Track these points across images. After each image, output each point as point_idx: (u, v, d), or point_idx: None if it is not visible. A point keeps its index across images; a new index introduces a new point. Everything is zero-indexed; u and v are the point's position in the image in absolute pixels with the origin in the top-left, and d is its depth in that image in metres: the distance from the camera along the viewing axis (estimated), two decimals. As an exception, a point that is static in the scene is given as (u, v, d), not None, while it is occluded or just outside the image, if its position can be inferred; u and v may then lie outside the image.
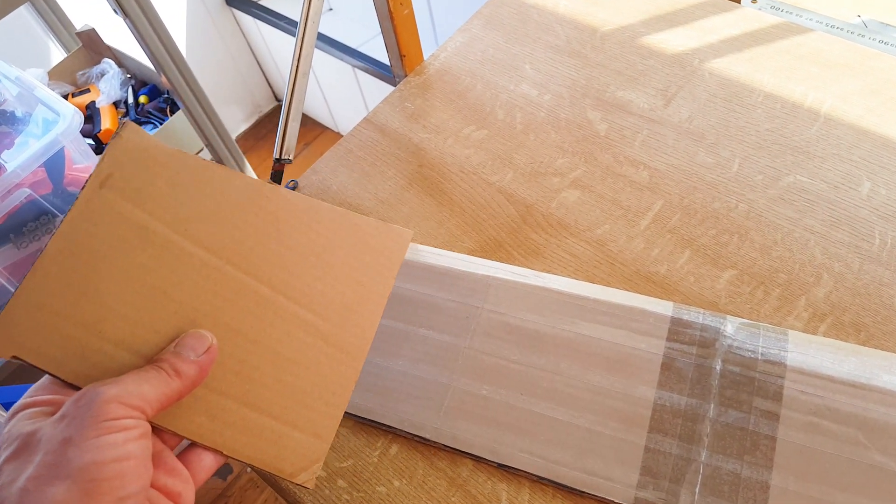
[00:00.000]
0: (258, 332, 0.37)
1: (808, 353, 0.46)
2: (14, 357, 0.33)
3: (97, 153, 1.03)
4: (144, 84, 1.17)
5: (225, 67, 1.85)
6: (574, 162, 0.60)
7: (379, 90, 1.58)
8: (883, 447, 0.42)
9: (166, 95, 1.13)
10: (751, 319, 0.49)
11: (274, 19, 1.62)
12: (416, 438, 0.47)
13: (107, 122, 1.10)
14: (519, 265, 0.54)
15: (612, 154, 0.59)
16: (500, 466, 0.45)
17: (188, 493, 0.33)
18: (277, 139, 0.58)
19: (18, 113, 0.82)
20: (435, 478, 0.46)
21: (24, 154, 0.70)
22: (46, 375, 0.33)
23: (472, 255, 0.56)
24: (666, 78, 0.64)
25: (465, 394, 0.48)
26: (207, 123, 1.01)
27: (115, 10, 0.79)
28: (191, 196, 0.38)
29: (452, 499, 0.45)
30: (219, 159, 1.09)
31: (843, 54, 0.62)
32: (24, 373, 1.02)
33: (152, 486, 0.31)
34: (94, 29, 1.15)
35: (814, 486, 0.41)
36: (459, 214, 0.58)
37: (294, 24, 1.52)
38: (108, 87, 1.10)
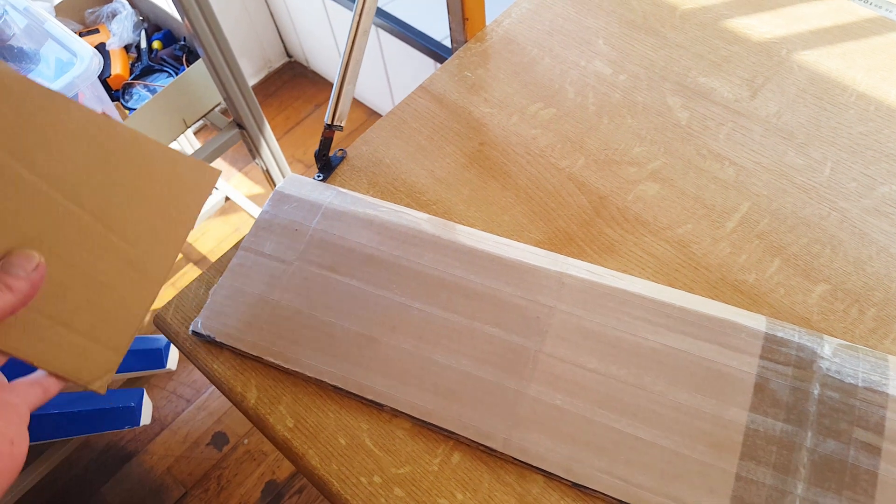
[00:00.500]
0: (75, 256, 0.40)
1: (914, 383, 0.42)
2: None
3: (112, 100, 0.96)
4: (158, 29, 1.09)
5: (238, 18, 1.75)
6: (652, 151, 0.55)
7: (404, 55, 1.51)
8: None
9: (183, 43, 1.05)
10: (846, 340, 0.45)
11: (293, -31, 1.53)
12: (480, 447, 0.43)
13: (118, 66, 1.02)
14: (591, 262, 0.50)
15: (695, 146, 0.55)
16: (575, 486, 0.41)
17: (23, 406, 0.36)
18: (331, 103, 0.53)
19: (27, 49, 0.75)
20: (502, 493, 0.42)
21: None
22: None
23: (540, 247, 0.51)
24: (752, 67, 0.59)
25: (536, 402, 0.44)
26: (228, 76, 0.94)
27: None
28: (32, 123, 0.39)
29: (521, 517, 0.41)
30: (237, 116, 1.02)
31: (944, 56, 0.58)
32: None
33: None
34: (105, -36, 1.07)
35: (923, 532, 0.38)
36: (525, 201, 0.53)
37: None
38: (121, 29, 1.02)
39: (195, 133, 1.79)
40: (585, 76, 0.60)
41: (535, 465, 0.42)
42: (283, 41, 1.94)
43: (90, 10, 1.08)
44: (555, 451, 0.42)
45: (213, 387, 0.73)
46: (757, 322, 0.45)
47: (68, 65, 0.70)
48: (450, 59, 0.63)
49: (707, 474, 0.41)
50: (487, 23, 0.65)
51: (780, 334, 0.44)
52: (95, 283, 0.41)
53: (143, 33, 1.06)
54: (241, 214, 1.66)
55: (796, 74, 0.58)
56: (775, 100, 0.57)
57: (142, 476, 1.40)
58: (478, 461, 0.43)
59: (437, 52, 1.41)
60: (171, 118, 0.99)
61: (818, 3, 0.63)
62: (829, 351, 0.44)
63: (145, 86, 1.02)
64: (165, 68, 1.04)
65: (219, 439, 1.42)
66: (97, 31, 1.05)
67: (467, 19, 0.62)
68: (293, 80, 1.97)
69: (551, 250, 0.51)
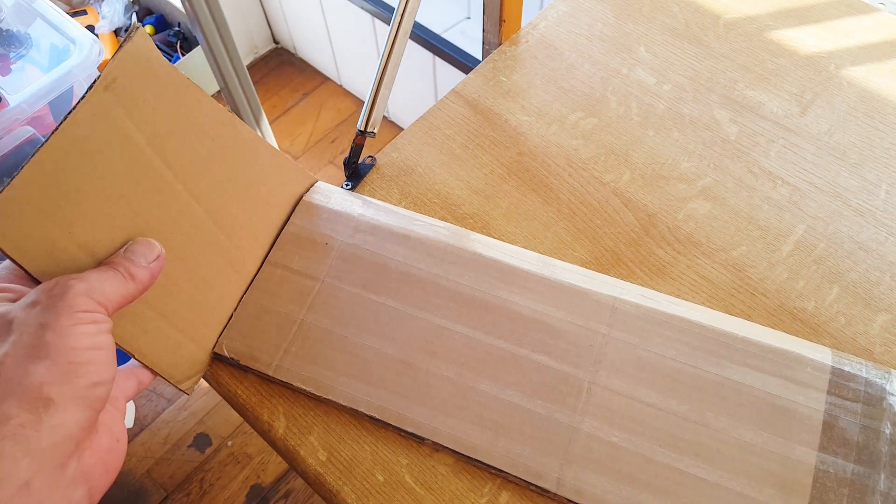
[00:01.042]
0: (187, 251, 0.40)
1: None
2: None
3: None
4: (150, 13, 1.03)
5: (224, 1, 1.69)
6: (701, 167, 0.52)
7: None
8: None
9: (177, 29, 1.00)
10: (910, 375, 0.43)
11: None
12: (531, 487, 0.40)
13: (107, 51, 0.96)
14: (642, 285, 0.47)
15: (745, 163, 0.52)
16: (636, 531, 0.39)
17: (122, 402, 0.35)
18: (364, 109, 0.49)
19: (17, 31, 0.69)
20: (558, 538, 0.39)
21: (31, 88, 0.58)
22: (2, 264, 0.35)
23: (587, 267, 0.48)
24: (800, 81, 0.56)
25: (591, 439, 0.41)
26: (229, 67, 0.89)
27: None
28: (170, 112, 0.38)
29: (578, 565, 0.38)
30: (234, 106, 0.97)
31: None
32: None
33: None
34: (95, -59, 1.01)
35: None
36: (569, 217, 0.50)
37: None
38: (111, 12, 0.96)
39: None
40: (628, 85, 0.57)
41: (592, 507, 0.39)
42: (270, 26, 1.88)
43: (79, -9, 1.02)
44: (613, 493, 0.39)
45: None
46: (822, 355, 0.43)
47: (64, 52, 0.65)
48: (483, 62, 0.59)
49: (777, 520, 0.38)
50: (522, 25, 0.61)
51: (846, 368, 0.42)
52: (197, 279, 0.41)
53: (133, 16, 1.00)
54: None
55: (846, 91, 0.56)
56: (826, 117, 0.54)
57: (120, 479, 1.34)
58: (528, 501, 0.40)
59: (436, 45, 1.37)
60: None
61: (864, 16, 0.61)
62: (897, 387, 0.42)
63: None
64: (159, 55, 0.98)
65: (201, 441, 1.37)
66: (85, 12, 0.99)
67: (504, 21, 0.58)
68: (280, 67, 1.91)
69: (599, 271, 0.48)
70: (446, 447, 0.41)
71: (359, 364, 0.44)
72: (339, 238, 0.48)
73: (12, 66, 0.71)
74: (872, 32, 0.59)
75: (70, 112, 0.34)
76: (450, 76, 1.39)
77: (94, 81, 0.35)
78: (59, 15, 0.68)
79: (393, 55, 0.48)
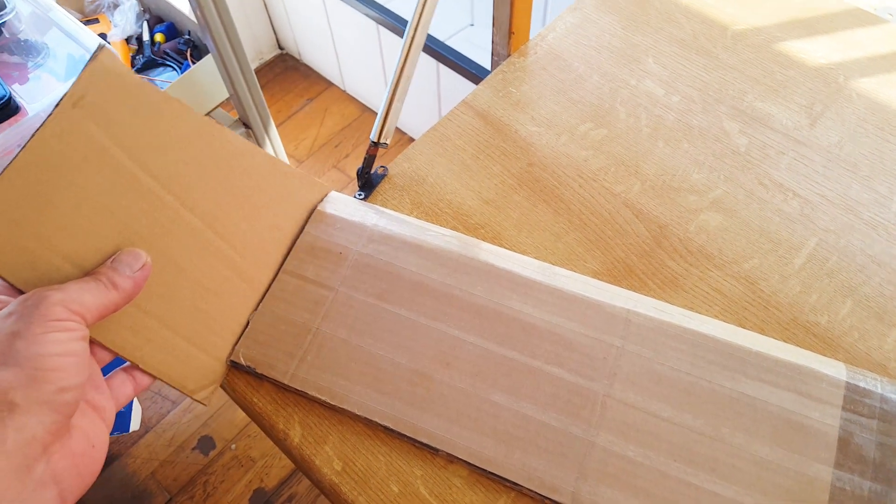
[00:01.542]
0: (185, 260, 0.40)
1: None
2: None
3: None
4: (160, 21, 1.03)
5: (230, 6, 1.69)
6: (712, 179, 0.52)
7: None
8: None
9: (187, 37, 1.00)
10: (923, 389, 0.43)
11: (294, -39, 1.48)
12: (546, 501, 0.40)
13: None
14: (655, 297, 0.47)
15: (756, 175, 0.52)
16: (651, 545, 0.39)
17: (110, 410, 0.35)
18: (378, 120, 0.49)
19: (35, 41, 0.69)
20: (573, 552, 0.39)
21: (49, 97, 0.58)
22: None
23: (598, 278, 0.48)
24: (809, 93, 0.57)
25: (606, 453, 0.41)
26: (239, 75, 0.89)
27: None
28: (149, 126, 0.39)
29: (593, 579, 0.38)
30: (244, 112, 0.97)
31: None
32: None
33: None
34: (103, -51, 1.01)
35: None
36: (580, 228, 0.51)
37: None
38: (123, 20, 0.96)
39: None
40: (637, 96, 0.57)
41: (607, 521, 0.39)
42: (275, 32, 1.88)
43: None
44: (629, 507, 0.39)
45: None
46: (837, 370, 0.43)
47: (80, 61, 0.65)
48: (493, 73, 0.59)
49: (792, 535, 0.38)
50: (531, 37, 0.62)
51: (861, 384, 0.42)
52: (201, 288, 0.41)
53: (144, 25, 1.01)
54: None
55: (855, 103, 0.56)
56: (836, 129, 0.54)
57: (124, 480, 1.34)
58: (543, 515, 0.40)
59: (440, 52, 1.37)
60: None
61: (873, 28, 0.61)
62: (911, 402, 0.42)
63: (149, 80, 0.96)
64: (168, 62, 0.99)
65: (205, 444, 1.37)
66: (97, 20, 1.00)
67: (513, 33, 0.58)
68: (284, 72, 1.91)
69: (611, 283, 0.48)
70: (461, 459, 0.41)
71: (373, 373, 0.44)
72: (354, 248, 0.48)
73: (30, 76, 0.71)
74: (881, 44, 0.59)
75: (38, 129, 0.35)
76: (454, 83, 1.40)
77: (60, 99, 0.36)
78: (74, 24, 0.69)
79: (406, 68, 0.48)
